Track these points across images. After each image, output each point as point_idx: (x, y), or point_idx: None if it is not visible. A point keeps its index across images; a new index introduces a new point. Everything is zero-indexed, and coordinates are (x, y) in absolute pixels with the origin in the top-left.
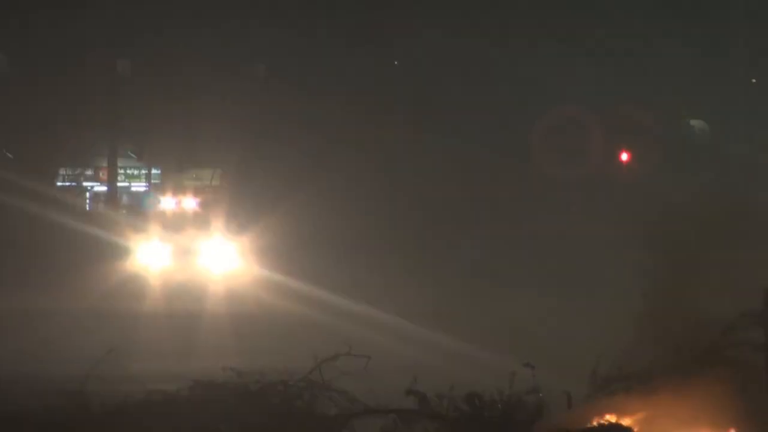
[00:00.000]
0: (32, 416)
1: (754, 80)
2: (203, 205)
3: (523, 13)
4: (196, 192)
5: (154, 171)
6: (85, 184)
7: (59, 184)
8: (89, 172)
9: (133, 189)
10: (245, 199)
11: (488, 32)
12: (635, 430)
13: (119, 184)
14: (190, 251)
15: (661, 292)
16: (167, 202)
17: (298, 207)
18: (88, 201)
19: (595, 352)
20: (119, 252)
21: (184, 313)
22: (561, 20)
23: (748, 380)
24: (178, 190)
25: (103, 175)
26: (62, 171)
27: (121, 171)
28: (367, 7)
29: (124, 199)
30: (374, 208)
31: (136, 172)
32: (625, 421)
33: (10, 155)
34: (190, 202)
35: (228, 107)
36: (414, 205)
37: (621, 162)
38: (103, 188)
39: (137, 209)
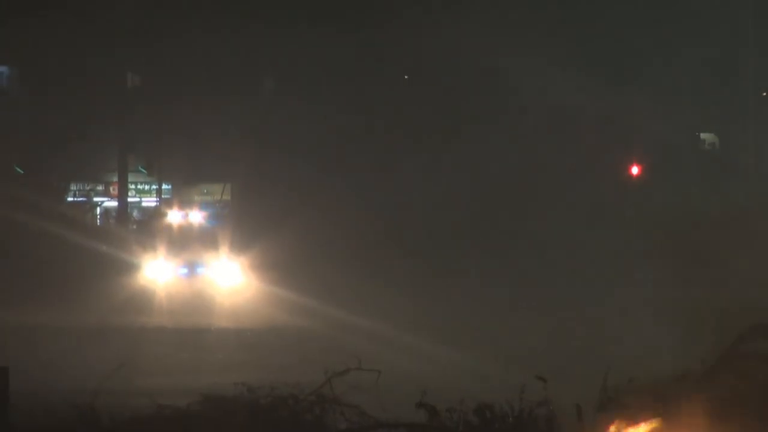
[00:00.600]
0: (43, 431)
1: (765, 93)
2: (211, 219)
3: (535, 26)
4: (206, 206)
5: (164, 186)
6: (95, 199)
7: (69, 199)
8: (100, 188)
9: (144, 204)
10: (253, 213)
11: (499, 45)
12: None
13: (130, 199)
14: (198, 265)
15: (671, 302)
16: (175, 217)
17: (306, 221)
18: (98, 216)
19: (605, 364)
20: (127, 267)
21: (192, 328)
22: (573, 34)
23: (759, 391)
24: (188, 204)
25: (113, 190)
26: (73, 186)
27: (132, 186)
28: (376, 21)
29: (135, 214)
30: (382, 222)
31: (146, 187)
32: None
33: (20, 170)
34: (198, 217)
35: (237, 121)
36: (421, 219)
37: (631, 175)
38: (114, 203)
39: (147, 224)
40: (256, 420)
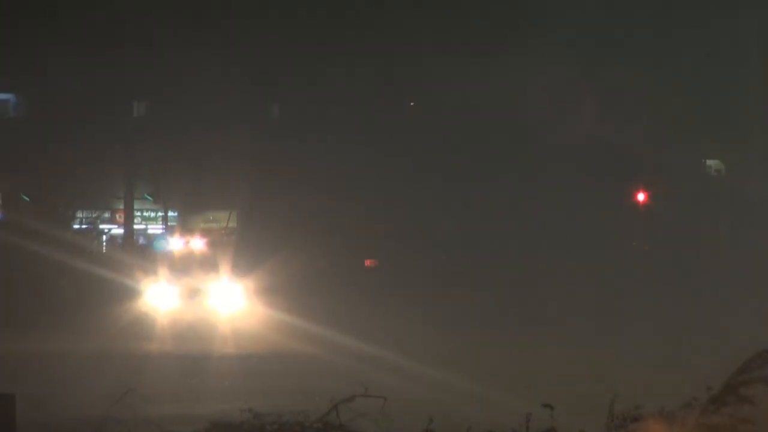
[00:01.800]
0: None
1: None
2: (215, 246)
3: (541, 54)
4: (211, 234)
5: (170, 213)
6: (102, 226)
7: (76, 227)
8: (106, 215)
9: (150, 231)
10: (257, 239)
11: (503, 69)
12: None
13: (136, 226)
14: (202, 292)
15: (676, 331)
16: (179, 244)
17: (309, 247)
18: (104, 243)
19: (611, 390)
20: (131, 293)
21: (197, 354)
22: (580, 61)
23: (764, 417)
24: (194, 232)
25: (119, 217)
26: (79, 214)
27: (138, 213)
28: (380, 49)
29: (141, 241)
30: (384, 249)
31: (152, 214)
32: None
33: (26, 198)
34: (201, 244)
35: (242, 150)
36: (423, 245)
37: (638, 202)
38: (120, 231)
39: (151, 251)
40: None
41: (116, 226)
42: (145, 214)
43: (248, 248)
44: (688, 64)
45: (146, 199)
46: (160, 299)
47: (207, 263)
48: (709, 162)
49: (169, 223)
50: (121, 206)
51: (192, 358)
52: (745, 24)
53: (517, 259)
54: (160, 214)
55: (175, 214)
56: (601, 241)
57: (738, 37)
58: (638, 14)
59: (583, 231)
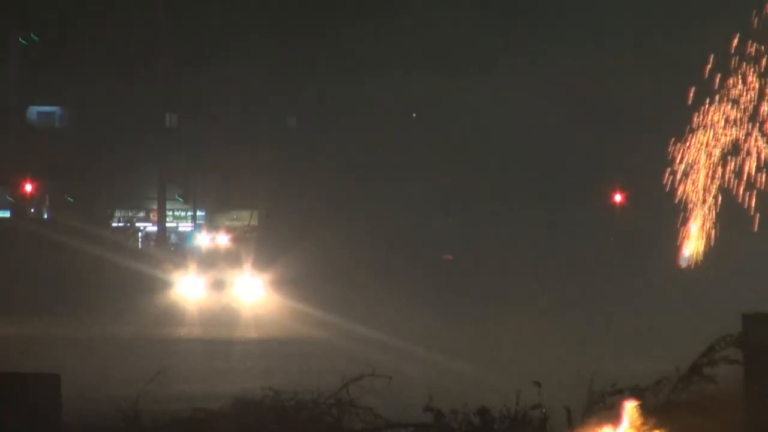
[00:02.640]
0: None
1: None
2: (239, 242)
3: (519, 63)
4: (235, 231)
5: (199, 213)
6: (137, 224)
7: (114, 225)
8: (141, 214)
9: (181, 229)
10: (277, 235)
11: (487, 82)
12: None
13: (168, 224)
14: (227, 283)
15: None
16: (206, 240)
17: (325, 242)
18: (140, 240)
19: (591, 370)
20: (163, 285)
21: (223, 339)
22: (560, 68)
23: (725, 394)
24: (220, 229)
25: (153, 216)
26: (117, 213)
27: (170, 213)
28: (389, 60)
29: (172, 237)
30: (394, 243)
31: (183, 213)
32: None
33: (71, 200)
34: (226, 240)
35: (264, 154)
36: (427, 242)
37: (614, 203)
38: (154, 228)
39: (182, 247)
40: (282, 421)
41: (150, 224)
42: (176, 213)
43: (269, 244)
44: (658, 67)
45: (177, 199)
46: (189, 290)
47: (231, 257)
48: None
49: (197, 221)
50: (155, 206)
51: (217, 342)
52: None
53: (505, 256)
54: (189, 213)
55: (203, 213)
56: (580, 236)
57: (704, 47)
58: (613, 21)
59: (564, 227)
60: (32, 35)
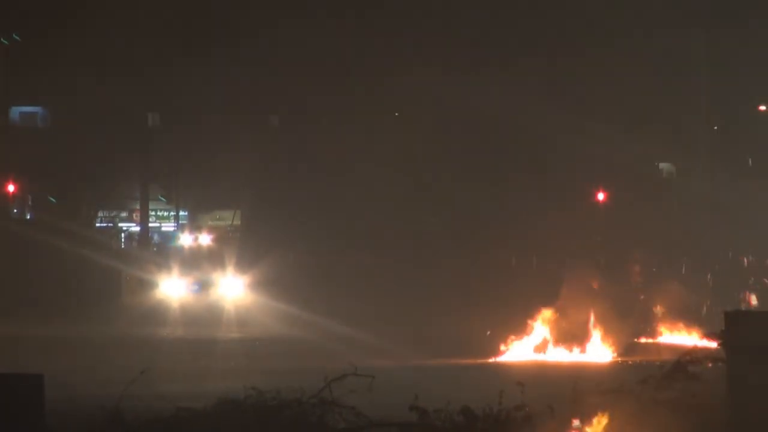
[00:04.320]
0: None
1: (716, 128)
2: (221, 242)
3: (504, 62)
4: (218, 231)
5: (181, 213)
6: (120, 225)
7: (97, 225)
8: (124, 214)
9: (163, 229)
10: (260, 235)
11: (471, 82)
12: None
13: (151, 224)
14: (208, 283)
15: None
16: (188, 240)
17: (307, 243)
18: (122, 240)
19: (574, 370)
20: (146, 285)
21: (205, 339)
22: (543, 67)
23: (710, 391)
24: (202, 229)
25: (136, 216)
26: (100, 213)
27: (152, 213)
28: (370, 58)
29: (155, 238)
30: (373, 246)
31: (165, 213)
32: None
33: (53, 200)
34: (208, 240)
35: (246, 154)
36: (409, 243)
37: (597, 201)
38: (137, 228)
39: (164, 247)
40: (265, 420)
41: (133, 225)
42: (159, 213)
43: (251, 244)
44: (642, 72)
45: (160, 199)
46: (172, 290)
47: (214, 257)
48: (662, 165)
49: (180, 221)
50: (138, 206)
51: (200, 342)
52: (696, 34)
53: (492, 260)
54: (172, 213)
55: (186, 213)
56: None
57: (689, 47)
58: (593, 21)
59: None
60: (14, 35)
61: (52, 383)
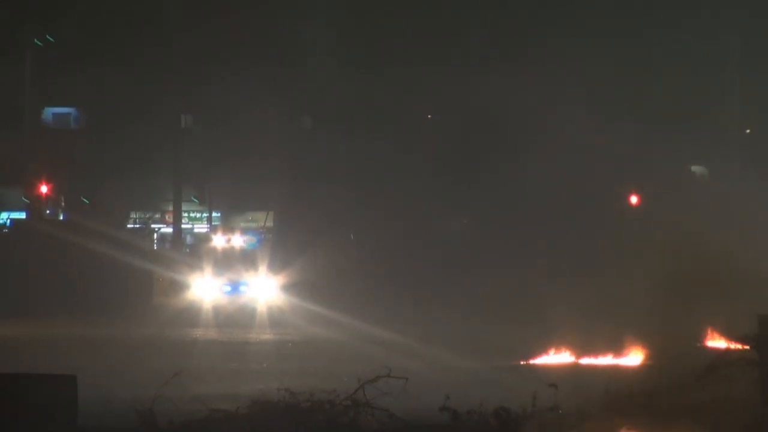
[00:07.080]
0: None
1: (748, 131)
2: (253, 242)
3: (537, 65)
4: (249, 232)
5: (214, 214)
6: (153, 226)
7: (130, 226)
8: (157, 216)
9: (196, 230)
10: (292, 237)
11: (506, 85)
12: None
13: (183, 225)
14: (241, 284)
15: (666, 319)
16: (221, 242)
17: (339, 245)
18: (155, 241)
19: (606, 372)
20: (179, 286)
21: (238, 340)
22: (577, 72)
23: (743, 394)
24: (235, 230)
25: (168, 218)
26: (133, 214)
27: (185, 214)
28: (405, 63)
29: (188, 239)
30: (407, 247)
31: (198, 215)
32: None
33: (86, 201)
34: (240, 241)
35: (279, 156)
36: (442, 245)
37: (631, 204)
38: (169, 230)
39: (197, 248)
40: (298, 422)
41: (166, 226)
42: (191, 214)
43: (284, 245)
44: (676, 73)
45: (193, 201)
46: (205, 291)
47: (247, 259)
48: (694, 168)
49: (213, 223)
50: (170, 207)
51: (233, 343)
52: (728, 33)
53: (522, 259)
54: (204, 214)
55: (218, 214)
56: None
57: (722, 51)
58: (626, 22)
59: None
60: (47, 36)
61: (85, 384)
